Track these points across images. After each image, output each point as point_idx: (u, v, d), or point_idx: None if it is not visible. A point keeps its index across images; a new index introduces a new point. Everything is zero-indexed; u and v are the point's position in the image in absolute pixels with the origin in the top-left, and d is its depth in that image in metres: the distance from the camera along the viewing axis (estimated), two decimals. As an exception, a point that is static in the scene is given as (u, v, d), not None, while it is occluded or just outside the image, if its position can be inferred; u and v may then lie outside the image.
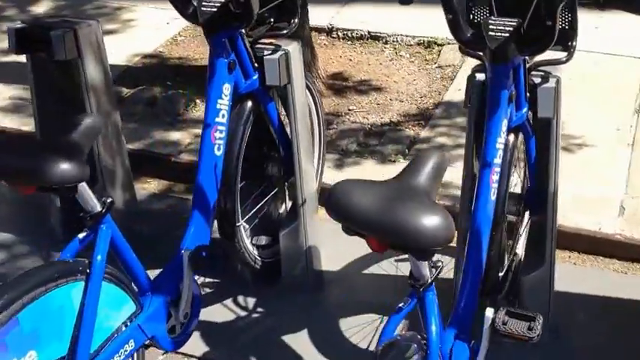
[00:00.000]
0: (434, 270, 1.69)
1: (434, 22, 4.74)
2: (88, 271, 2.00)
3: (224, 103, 2.50)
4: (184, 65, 4.61)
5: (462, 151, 3.69)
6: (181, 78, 4.41)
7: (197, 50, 4.71)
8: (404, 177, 1.65)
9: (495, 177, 2.09)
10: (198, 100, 4.15)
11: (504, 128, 2.14)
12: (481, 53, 2.24)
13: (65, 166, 1.90)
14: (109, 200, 2.06)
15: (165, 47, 4.84)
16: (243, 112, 2.64)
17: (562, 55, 2.21)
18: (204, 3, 2.38)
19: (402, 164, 3.58)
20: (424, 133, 3.82)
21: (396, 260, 3.13)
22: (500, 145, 2.13)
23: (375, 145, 3.77)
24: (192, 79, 4.33)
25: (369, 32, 4.76)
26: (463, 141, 3.79)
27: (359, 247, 3.21)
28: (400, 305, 1.74)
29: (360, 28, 4.77)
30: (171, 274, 2.41)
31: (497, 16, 2.05)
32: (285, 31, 2.58)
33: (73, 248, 2.06)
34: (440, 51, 4.55)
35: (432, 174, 1.63)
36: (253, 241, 2.89)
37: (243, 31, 2.50)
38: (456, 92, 4.11)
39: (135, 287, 2.26)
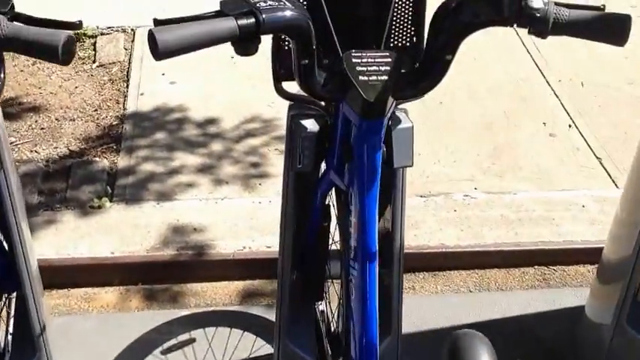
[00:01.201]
0: None
1: (70, 5, 3.82)
2: None
3: None
4: None
5: (185, 179, 2.96)
6: None
7: None
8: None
9: None
10: None
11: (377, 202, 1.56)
12: (321, 102, 1.60)
13: None
14: None
15: None
16: None
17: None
18: None
19: (111, 209, 2.76)
20: (122, 161, 2.99)
21: (163, 352, 2.39)
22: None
23: (63, 189, 2.86)
24: None
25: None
26: (175, 164, 3.07)
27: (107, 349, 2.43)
28: None
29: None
30: None
31: (349, 50, 1.42)
32: None
33: None
34: (94, 44, 3.66)
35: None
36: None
37: None
38: (140, 99, 3.32)
39: None
